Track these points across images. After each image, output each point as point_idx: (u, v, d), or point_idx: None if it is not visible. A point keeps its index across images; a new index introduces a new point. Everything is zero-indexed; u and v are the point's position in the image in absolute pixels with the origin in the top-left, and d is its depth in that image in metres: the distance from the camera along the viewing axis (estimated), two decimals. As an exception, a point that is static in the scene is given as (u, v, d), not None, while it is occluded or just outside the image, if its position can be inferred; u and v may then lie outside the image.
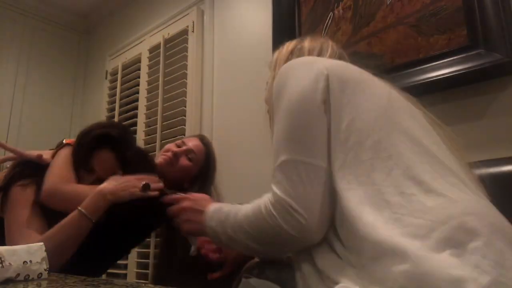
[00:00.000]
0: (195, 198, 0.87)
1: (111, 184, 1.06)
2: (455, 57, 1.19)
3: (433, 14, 1.25)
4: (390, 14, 1.37)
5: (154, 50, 2.40)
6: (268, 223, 0.62)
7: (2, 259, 0.66)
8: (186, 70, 2.15)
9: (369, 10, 1.43)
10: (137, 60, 2.53)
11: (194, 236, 0.98)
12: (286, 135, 0.67)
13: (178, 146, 1.33)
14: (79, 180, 1.12)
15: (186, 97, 2.12)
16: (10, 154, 1.19)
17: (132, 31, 2.69)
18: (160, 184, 1.08)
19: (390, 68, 1.29)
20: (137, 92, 2.45)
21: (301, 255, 0.65)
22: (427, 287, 0.46)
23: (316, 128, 0.64)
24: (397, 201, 0.55)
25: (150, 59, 2.41)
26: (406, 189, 0.56)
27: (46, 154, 1.18)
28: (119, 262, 2.18)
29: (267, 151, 1.87)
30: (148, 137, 2.29)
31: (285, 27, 1.67)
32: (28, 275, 0.69)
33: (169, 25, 2.36)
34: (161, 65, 2.29)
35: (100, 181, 1.10)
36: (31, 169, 1.13)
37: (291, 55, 0.85)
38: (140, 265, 2.10)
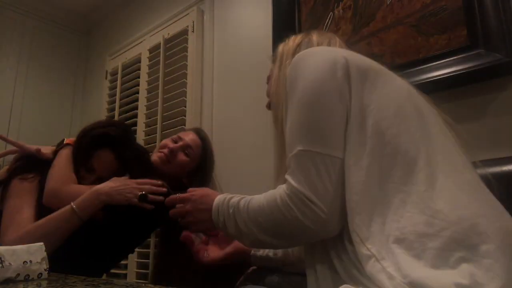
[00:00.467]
0: (196, 196, 0.83)
1: (108, 185, 1.06)
2: (455, 57, 1.19)
3: (433, 14, 1.25)
4: (390, 14, 1.37)
5: (154, 50, 2.40)
6: (285, 215, 0.61)
7: (2, 259, 0.66)
8: (186, 70, 2.15)
9: (369, 10, 1.43)
10: (137, 60, 2.53)
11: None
12: (301, 125, 0.64)
13: (175, 142, 1.32)
14: (80, 179, 1.13)
15: (186, 97, 2.12)
16: (12, 147, 1.20)
17: (132, 31, 2.68)
18: (161, 196, 1.06)
19: (390, 68, 1.29)
20: (137, 92, 2.45)
21: (317, 254, 0.64)
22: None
23: (333, 119, 0.62)
24: (412, 200, 0.54)
25: (150, 59, 2.41)
26: (421, 187, 0.55)
27: (45, 149, 1.19)
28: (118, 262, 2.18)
29: (267, 151, 1.87)
30: (148, 137, 2.29)
31: (285, 27, 1.67)
32: (28, 275, 0.69)
33: (169, 25, 2.36)
34: (161, 65, 2.29)
35: (100, 180, 1.11)
36: (32, 164, 1.14)
37: (299, 48, 0.82)
38: (140, 265, 2.10)
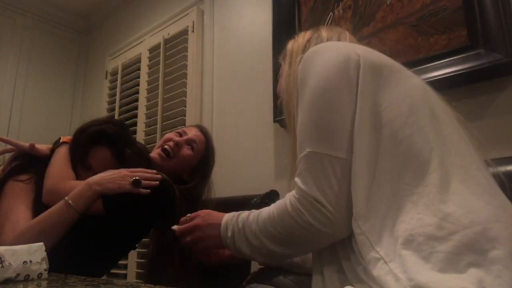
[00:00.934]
0: (205, 213, 0.82)
1: (100, 175, 1.06)
2: (455, 57, 1.18)
3: (433, 14, 1.25)
4: (390, 14, 1.36)
5: (154, 50, 2.40)
6: (296, 220, 0.60)
7: (2, 259, 0.66)
8: (186, 70, 2.15)
9: (369, 10, 1.43)
10: (137, 60, 2.53)
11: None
12: (311, 126, 0.62)
13: (180, 135, 1.31)
14: (77, 177, 1.12)
15: (186, 97, 2.12)
16: (8, 146, 1.19)
17: (132, 31, 2.69)
18: (156, 181, 1.05)
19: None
20: (137, 92, 2.45)
21: (324, 255, 0.63)
22: None
23: (343, 119, 0.60)
24: (423, 202, 0.53)
25: (150, 59, 2.41)
26: (433, 188, 0.54)
27: (41, 146, 1.18)
28: (119, 262, 2.18)
29: (267, 151, 1.87)
30: (148, 137, 2.29)
31: (285, 27, 1.67)
32: (28, 275, 0.69)
33: (169, 25, 2.36)
34: (161, 65, 2.29)
35: None
36: (28, 164, 1.13)
37: (309, 43, 0.80)
38: (140, 265, 2.10)
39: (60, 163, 1.11)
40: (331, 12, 1.55)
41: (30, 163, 1.14)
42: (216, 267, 1.03)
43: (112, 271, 2.22)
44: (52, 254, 0.75)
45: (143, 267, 2.09)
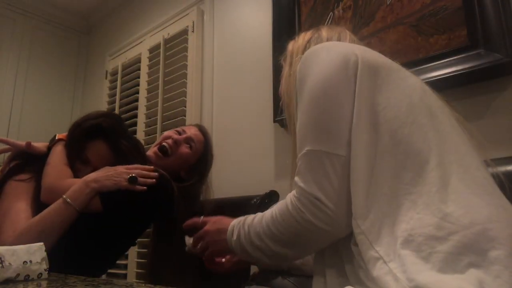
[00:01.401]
0: (215, 219, 0.83)
1: (96, 173, 1.06)
2: (455, 57, 1.18)
3: (433, 14, 1.25)
4: (390, 14, 1.37)
5: (154, 50, 2.40)
6: (296, 219, 0.60)
7: (2, 259, 0.66)
8: (186, 70, 2.15)
9: (369, 10, 1.43)
10: (137, 60, 2.53)
11: (189, 236, 0.97)
12: (310, 124, 0.63)
13: (179, 133, 1.32)
14: (76, 172, 1.12)
15: (186, 97, 2.12)
16: (5, 146, 1.19)
17: (132, 31, 2.69)
18: (152, 179, 1.05)
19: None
20: (137, 92, 2.45)
21: (326, 256, 0.63)
22: None
23: (342, 117, 0.61)
24: (422, 202, 0.53)
25: (150, 59, 2.41)
26: (433, 187, 0.54)
27: (38, 144, 1.18)
28: (119, 262, 2.18)
29: (267, 151, 1.87)
30: (148, 137, 2.29)
31: (285, 27, 1.67)
32: (28, 275, 0.69)
33: (169, 25, 2.36)
34: (161, 65, 2.29)
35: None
36: (27, 163, 1.13)
37: (309, 44, 0.80)
38: (140, 265, 2.10)
39: (56, 161, 1.11)
40: (331, 12, 1.55)
41: (29, 162, 1.14)
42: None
43: (112, 271, 2.22)
44: (52, 254, 0.75)
45: (143, 267, 2.09)
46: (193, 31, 2.17)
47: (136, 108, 2.45)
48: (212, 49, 2.12)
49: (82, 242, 1.05)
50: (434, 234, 0.50)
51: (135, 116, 2.43)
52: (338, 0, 1.54)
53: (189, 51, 2.16)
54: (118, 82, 2.64)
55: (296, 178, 0.62)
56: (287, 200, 0.63)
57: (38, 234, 0.95)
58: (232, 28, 2.05)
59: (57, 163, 1.11)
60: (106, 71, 2.81)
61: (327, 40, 0.80)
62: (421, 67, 1.24)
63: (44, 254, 0.72)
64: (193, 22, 2.19)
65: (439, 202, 0.52)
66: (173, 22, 2.33)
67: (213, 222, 0.82)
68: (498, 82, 1.14)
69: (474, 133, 0.66)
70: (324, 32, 0.82)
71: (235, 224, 0.74)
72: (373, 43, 1.39)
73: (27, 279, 0.69)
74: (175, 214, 1.12)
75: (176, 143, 1.28)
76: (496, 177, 0.61)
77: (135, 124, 2.38)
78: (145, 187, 1.04)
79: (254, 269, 1.10)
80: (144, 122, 2.33)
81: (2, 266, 0.66)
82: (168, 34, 2.33)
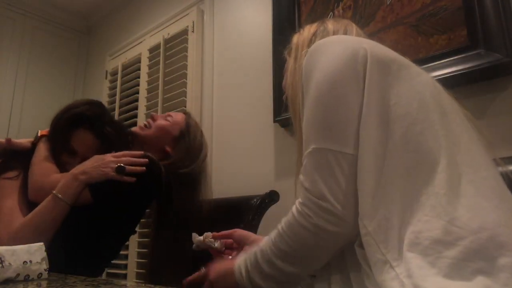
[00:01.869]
0: (216, 266, 0.76)
1: (84, 164, 1.06)
2: (455, 57, 1.18)
3: (433, 14, 1.25)
4: (390, 14, 1.37)
5: (154, 50, 2.40)
6: (304, 226, 0.58)
7: (2, 259, 0.66)
8: (186, 70, 2.15)
9: (369, 10, 1.43)
10: (137, 60, 2.53)
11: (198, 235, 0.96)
12: (316, 122, 0.60)
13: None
14: (65, 165, 1.12)
15: (186, 97, 2.12)
16: None
17: (132, 31, 2.69)
18: (143, 167, 1.04)
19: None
20: (137, 92, 2.45)
21: (333, 264, 0.61)
22: None
23: (350, 114, 0.58)
24: (430, 204, 0.52)
25: (150, 59, 2.41)
26: (441, 189, 0.52)
27: (20, 140, 1.18)
28: (119, 262, 2.18)
29: (267, 151, 1.87)
30: (148, 137, 2.29)
31: (285, 27, 1.67)
32: (28, 275, 0.69)
33: (169, 25, 2.36)
34: (161, 65, 2.29)
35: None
36: (13, 161, 1.13)
37: (315, 37, 0.78)
38: (140, 265, 2.10)
39: (40, 159, 1.10)
40: (331, 12, 1.55)
41: (14, 158, 1.14)
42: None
43: (112, 271, 2.22)
44: (52, 254, 0.75)
45: (143, 267, 2.09)
46: (193, 31, 2.17)
47: (136, 108, 2.45)
48: (212, 49, 2.12)
49: (82, 241, 1.05)
50: (441, 238, 0.49)
51: (135, 116, 2.43)
52: (338, 0, 1.54)
53: (189, 51, 2.16)
54: (118, 82, 2.64)
55: (301, 177, 0.60)
56: (293, 209, 0.61)
57: (32, 232, 0.95)
58: (232, 28, 2.05)
59: (40, 161, 1.10)
60: (106, 71, 2.81)
61: (334, 33, 0.77)
62: (421, 67, 1.23)
63: (44, 254, 0.72)
64: (193, 22, 2.19)
65: (447, 205, 0.51)
66: (173, 22, 2.33)
67: (217, 270, 0.76)
68: (498, 82, 1.14)
69: (484, 132, 0.65)
70: (330, 24, 0.80)
71: (241, 263, 0.69)
72: (373, 43, 1.39)
73: (27, 279, 0.69)
74: (171, 200, 1.11)
75: (153, 117, 1.30)
76: (505, 177, 0.60)
77: (135, 124, 2.38)
78: (134, 179, 1.03)
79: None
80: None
81: (2, 266, 0.66)
82: (168, 34, 2.33)
